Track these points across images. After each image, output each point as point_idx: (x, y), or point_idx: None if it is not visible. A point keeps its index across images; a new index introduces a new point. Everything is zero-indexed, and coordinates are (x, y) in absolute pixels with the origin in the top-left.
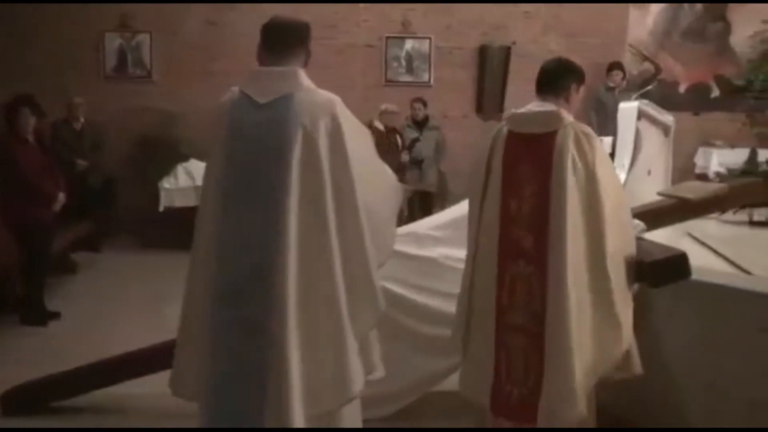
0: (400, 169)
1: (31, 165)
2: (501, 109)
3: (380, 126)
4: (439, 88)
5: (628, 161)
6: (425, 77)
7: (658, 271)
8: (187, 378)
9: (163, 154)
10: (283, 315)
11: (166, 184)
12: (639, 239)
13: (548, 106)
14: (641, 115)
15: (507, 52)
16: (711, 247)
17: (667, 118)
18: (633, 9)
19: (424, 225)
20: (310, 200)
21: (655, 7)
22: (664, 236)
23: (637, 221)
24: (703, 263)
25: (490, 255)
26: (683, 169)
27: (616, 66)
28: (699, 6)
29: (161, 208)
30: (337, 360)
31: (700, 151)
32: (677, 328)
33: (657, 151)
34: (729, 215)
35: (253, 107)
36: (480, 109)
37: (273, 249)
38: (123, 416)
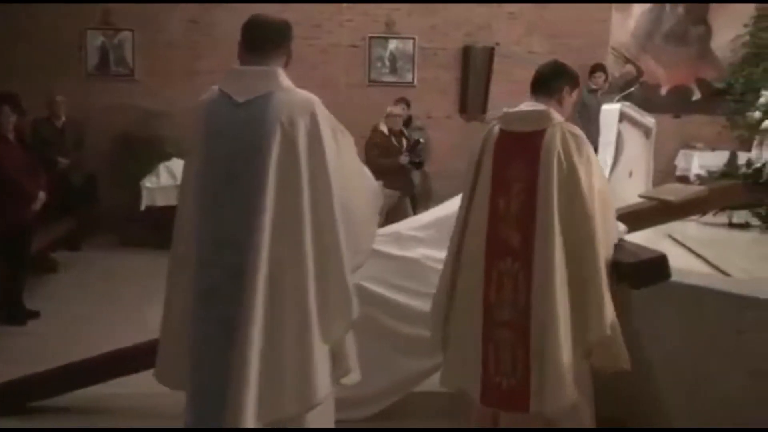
0: (401, 172)
1: (11, 163)
2: (484, 110)
3: (385, 129)
4: (422, 88)
5: (610, 161)
6: (409, 77)
7: (638, 273)
8: (172, 369)
9: (145, 152)
10: (249, 315)
11: (148, 182)
12: (620, 241)
13: (539, 106)
14: (623, 117)
15: (491, 52)
16: (691, 249)
17: (649, 120)
18: (615, 11)
19: (407, 225)
20: (286, 200)
21: (637, 10)
22: (644, 238)
23: (618, 223)
24: (683, 265)
25: (477, 253)
26: (664, 171)
27: (598, 68)
28: (681, 9)
29: (143, 207)
30: (302, 365)
31: (681, 153)
32: (657, 329)
33: (638, 153)
34: (709, 217)
35: (231, 106)
36: (463, 109)
37: (248, 248)
38: (104, 416)
